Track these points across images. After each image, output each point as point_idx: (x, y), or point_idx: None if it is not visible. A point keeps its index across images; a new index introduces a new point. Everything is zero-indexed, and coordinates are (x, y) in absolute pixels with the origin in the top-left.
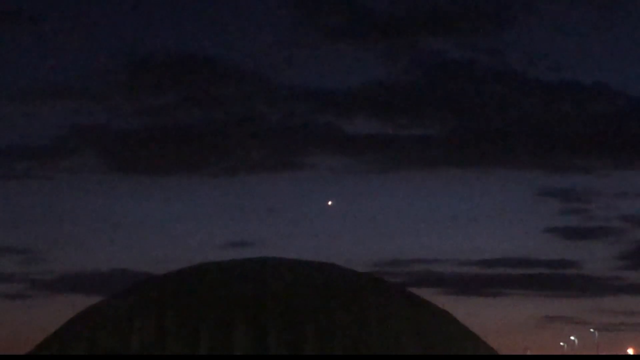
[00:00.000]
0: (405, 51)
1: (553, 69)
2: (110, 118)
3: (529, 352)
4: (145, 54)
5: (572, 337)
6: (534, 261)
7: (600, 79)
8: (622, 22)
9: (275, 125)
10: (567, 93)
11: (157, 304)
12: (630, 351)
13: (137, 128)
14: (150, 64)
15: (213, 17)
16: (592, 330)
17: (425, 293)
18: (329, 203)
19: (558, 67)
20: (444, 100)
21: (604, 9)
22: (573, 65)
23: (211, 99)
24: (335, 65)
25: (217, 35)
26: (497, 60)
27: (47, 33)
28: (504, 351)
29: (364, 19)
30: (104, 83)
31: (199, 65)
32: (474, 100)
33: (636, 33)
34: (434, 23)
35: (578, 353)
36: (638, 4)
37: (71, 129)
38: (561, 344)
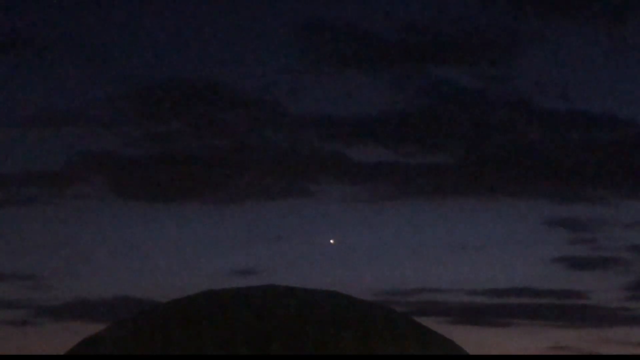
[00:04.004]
0: (413, 79)
1: (562, 97)
2: (118, 145)
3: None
4: (153, 81)
5: None
6: (541, 291)
7: (609, 109)
8: (631, 51)
9: (282, 152)
10: (576, 122)
11: (161, 331)
12: None
13: (145, 155)
14: (158, 91)
15: (221, 44)
16: None
17: (432, 322)
18: (332, 242)
19: (567, 96)
20: (452, 129)
21: (614, 38)
22: (582, 94)
23: (218, 126)
24: (343, 93)
25: (225, 62)
26: (506, 88)
27: (55, 60)
28: None
29: (373, 46)
30: (111, 109)
31: (207, 92)
32: (483, 129)
33: None
34: (443, 51)
35: None
36: None
37: (78, 156)
38: None
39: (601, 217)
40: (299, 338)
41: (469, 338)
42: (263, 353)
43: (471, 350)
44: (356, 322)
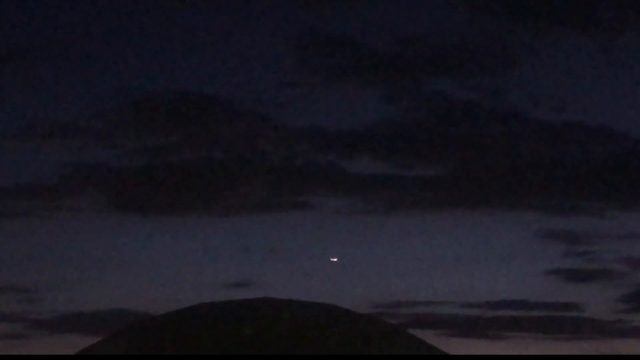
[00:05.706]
0: (408, 91)
1: (556, 110)
2: (112, 157)
3: None
4: (148, 93)
5: None
6: (536, 303)
7: (604, 121)
8: (626, 64)
9: (278, 165)
10: (571, 134)
11: (156, 344)
12: None
13: (139, 167)
14: (153, 103)
15: (215, 56)
16: None
17: (427, 335)
18: (334, 260)
19: (561, 109)
20: (447, 141)
21: (608, 51)
22: (577, 107)
23: (213, 138)
24: (338, 105)
25: (219, 75)
26: (501, 101)
27: (49, 72)
28: None
29: (367, 59)
30: (106, 122)
31: (202, 104)
32: (477, 141)
33: None
34: (437, 63)
35: None
36: None
37: (73, 168)
38: None
39: (596, 229)
40: (293, 350)
41: (463, 350)
42: None
43: None
44: (350, 335)
